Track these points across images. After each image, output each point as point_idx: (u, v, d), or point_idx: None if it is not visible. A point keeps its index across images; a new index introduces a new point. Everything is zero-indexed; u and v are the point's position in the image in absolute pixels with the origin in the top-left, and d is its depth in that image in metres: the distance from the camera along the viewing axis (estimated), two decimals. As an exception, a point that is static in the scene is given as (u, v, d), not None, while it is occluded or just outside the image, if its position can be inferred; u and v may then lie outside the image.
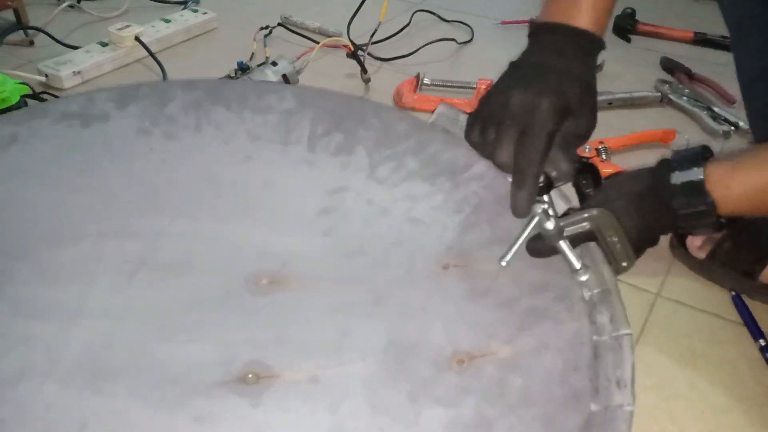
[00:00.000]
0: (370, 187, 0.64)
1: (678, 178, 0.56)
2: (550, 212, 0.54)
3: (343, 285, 0.56)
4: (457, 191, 0.64)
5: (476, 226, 0.61)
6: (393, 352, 0.51)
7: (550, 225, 0.53)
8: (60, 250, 0.57)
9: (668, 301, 0.69)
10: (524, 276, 0.56)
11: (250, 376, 0.48)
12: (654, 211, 0.57)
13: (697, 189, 0.55)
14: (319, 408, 0.47)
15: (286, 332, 0.52)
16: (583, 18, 0.56)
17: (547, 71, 0.54)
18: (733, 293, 0.69)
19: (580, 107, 0.53)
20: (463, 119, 0.70)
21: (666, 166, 0.57)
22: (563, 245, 0.54)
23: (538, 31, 0.58)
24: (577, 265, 0.54)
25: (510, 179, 0.53)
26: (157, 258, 0.57)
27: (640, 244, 0.57)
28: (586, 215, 0.56)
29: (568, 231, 0.55)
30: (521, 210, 0.52)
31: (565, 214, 0.57)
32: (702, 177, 0.55)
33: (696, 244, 0.72)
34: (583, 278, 0.54)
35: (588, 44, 0.56)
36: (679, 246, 0.73)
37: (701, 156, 0.56)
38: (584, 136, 0.56)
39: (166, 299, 0.54)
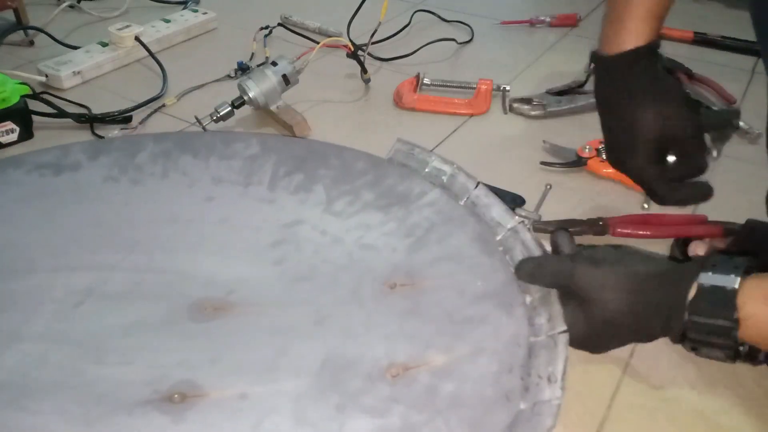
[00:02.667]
0: (325, 220, 0.65)
1: (708, 279, 0.46)
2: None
3: (286, 308, 0.56)
4: (409, 218, 0.65)
5: (425, 246, 0.61)
6: (329, 369, 0.50)
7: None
8: (11, 282, 0.57)
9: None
10: (468, 288, 0.56)
11: (176, 396, 0.48)
12: (660, 304, 0.47)
13: (726, 298, 0.45)
14: (241, 423, 0.47)
15: (220, 353, 0.52)
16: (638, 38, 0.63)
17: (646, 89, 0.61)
18: None
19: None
20: (419, 153, 0.71)
21: (699, 262, 0.47)
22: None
23: (608, 64, 0.63)
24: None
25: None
26: (105, 289, 0.57)
27: (621, 330, 0.49)
28: None
29: None
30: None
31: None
32: (736, 287, 0.45)
33: (698, 252, 0.71)
34: None
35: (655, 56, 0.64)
36: (681, 255, 0.73)
37: (744, 266, 0.46)
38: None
39: (106, 325, 0.54)
